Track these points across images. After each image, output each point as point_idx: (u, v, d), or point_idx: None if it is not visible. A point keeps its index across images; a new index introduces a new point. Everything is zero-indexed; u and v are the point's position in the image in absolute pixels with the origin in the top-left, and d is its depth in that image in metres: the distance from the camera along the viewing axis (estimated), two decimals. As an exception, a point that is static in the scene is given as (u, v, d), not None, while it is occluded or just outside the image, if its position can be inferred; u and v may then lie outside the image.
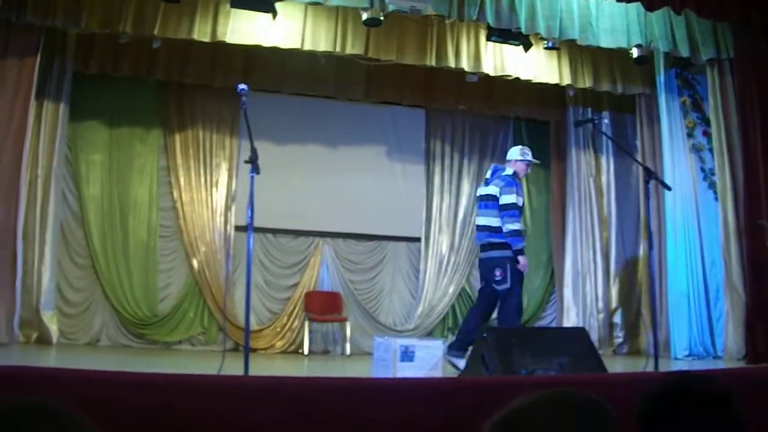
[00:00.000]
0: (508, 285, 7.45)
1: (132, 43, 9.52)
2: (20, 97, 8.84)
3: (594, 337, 10.54)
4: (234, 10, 8.84)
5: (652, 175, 6.94)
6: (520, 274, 7.57)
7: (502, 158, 11.62)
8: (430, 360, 6.14)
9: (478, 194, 8.19)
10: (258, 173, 5.51)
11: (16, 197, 8.78)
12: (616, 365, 8.99)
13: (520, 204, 7.79)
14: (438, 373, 6.14)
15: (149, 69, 10.10)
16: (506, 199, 7.59)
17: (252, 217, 5.54)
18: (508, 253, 7.51)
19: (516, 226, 7.56)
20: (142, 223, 10.31)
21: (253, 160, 5.48)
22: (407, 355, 6.06)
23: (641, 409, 1.88)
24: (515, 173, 7.88)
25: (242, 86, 5.91)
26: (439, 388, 3.78)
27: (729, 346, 9.45)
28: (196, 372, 4.44)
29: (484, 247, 7.73)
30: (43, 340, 9.28)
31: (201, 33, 9.01)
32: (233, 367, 5.66)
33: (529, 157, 8.01)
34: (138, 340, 10.00)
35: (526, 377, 5.20)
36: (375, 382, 4.69)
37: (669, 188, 7.92)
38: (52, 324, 9.40)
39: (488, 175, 8.06)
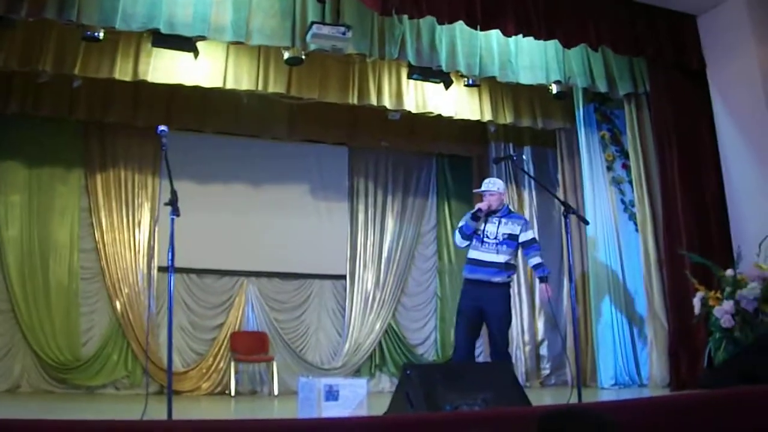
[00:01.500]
0: None
1: (52, 82, 9.39)
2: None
3: (521, 369, 10.66)
4: (156, 50, 8.80)
5: (570, 210, 7.11)
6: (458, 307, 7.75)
7: (425, 194, 11.78)
8: (354, 399, 6.12)
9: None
10: (178, 215, 5.47)
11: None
12: (543, 397, 9.09)
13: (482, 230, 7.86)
14: (363, 412, 6.12)
15: (70, 108, 9.98)
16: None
17: (173, 260, 5.49)
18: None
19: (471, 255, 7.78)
20: (63, 265, 10.13)
21: (173, 203, 5.44)
22: (332, 395, 6.03)
23: None
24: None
25: (162, 128, 5.86)
26: (364, 427, 3.78)
27: (654, 374, 9.60)
28: (119, 417, 4.38)
29: None
30: (-38, 387, 9.06)
31: (122, 72, 8.93)
32: (157, 411, 5.57)
33: (480, 189, 7.96)
34: (60, 385, 9.77)
35: (450, 413, 5.22)
36: (300, 422, 4.67)
37: (587, 222, 8.10)
38: (-30, 370, 9.18)
39: None
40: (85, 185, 10.45)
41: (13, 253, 9.93)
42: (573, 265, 8.27)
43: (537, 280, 11.24)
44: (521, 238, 7.56)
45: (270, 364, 10.37)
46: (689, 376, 8.92)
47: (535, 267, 7.58)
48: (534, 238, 7.66)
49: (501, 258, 7.50)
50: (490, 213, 7.60)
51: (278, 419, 4.13)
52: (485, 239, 7.59)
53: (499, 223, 7.64)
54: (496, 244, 7.56)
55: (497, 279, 7.48)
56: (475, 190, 8.28)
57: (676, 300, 9.28)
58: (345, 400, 6.06)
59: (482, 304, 7.46)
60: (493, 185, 7.77)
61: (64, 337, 9.91)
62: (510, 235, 7.56)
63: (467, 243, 7.77)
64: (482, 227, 7.65)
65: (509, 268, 7.54)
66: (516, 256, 7.62)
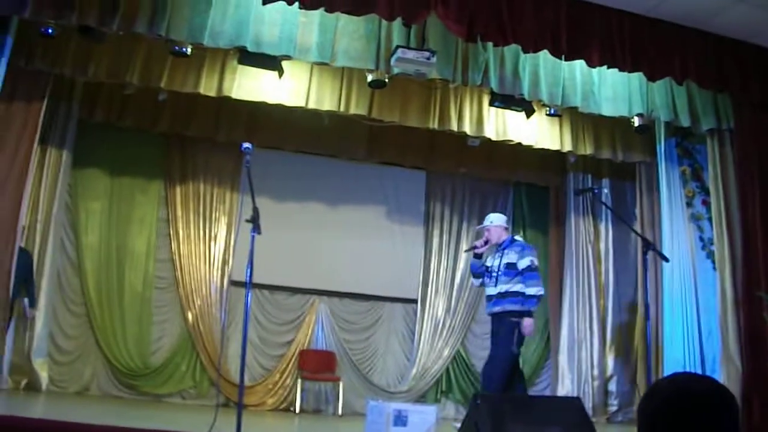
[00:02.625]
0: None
1: (138, 94, 9.60)
2: (24, 142, 8.86)
3: (588, 404, 10.46)
4: (241, 67, 8.90)
5: (650, 246, 6.96)
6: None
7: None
8: (422, 425, 6.08)
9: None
10: (259, 233, 5.51)
11: (14, 241, 8.76)
12: (610, 435, 8.94)
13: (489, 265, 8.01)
14: (431, 439, 6.09)
15: (154, 120, 10.20)
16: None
17: (251, 276, 5.52)
18: None
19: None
20: (138, 273, 10.30)
21: (254, 220, 5.49)
22: (400, 420, 6.01)
23: (645, 410, 1.90)
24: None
25: (246, 145, 5.91)
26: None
27: (725, 417, 9.35)
28: (187, 428, 4.41)
29: None
30: (33, 386, 9.23)
31: (207, 87, 9.07)
32: (224, 424, 5.60)
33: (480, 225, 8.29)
34: (128, 390, 9.92)
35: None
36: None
37: (667, 260, 7.93)
38: (43, 371, 9.36)
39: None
40: (165, 196, 10.63)
41: (90, 259, 10.13)
42: (649, 304, 8.09)
43: (610, 314, 11.22)
44: (519, 266, 7.62)
45: (336, 384, 10.37)
46: (762, 422, 8.70)
47: (527, 297, 7.56)
48: (529, 266, 7.62)
49: (499, 289, 7.62)
50: (494, 247, 7.88)
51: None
52: (491, 274, 7.77)
53: (502, 255, 7.76)
54: (497, 276, 7.69)
55: (496, 309, 7.64)
56: (476, 228, 8.29)
57: (752, 343, 9.05)
58: (413, 427, 6.03)
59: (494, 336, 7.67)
60: (488, 220, 8.06)
61: (135, 344, 10.07)
62: (509, 264, 7.65)
63: (480, 281, 8.00)
64: (490, 263, 7.85)
65: (506, 296, 7.57)
66: (518, 283, 7.61)
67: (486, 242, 8.00)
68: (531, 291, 7.51)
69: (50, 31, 8.33)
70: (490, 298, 7.80)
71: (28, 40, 8.60)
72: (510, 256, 7.70)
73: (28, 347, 9.28)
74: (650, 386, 1.95)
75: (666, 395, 1.88)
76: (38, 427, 3.26)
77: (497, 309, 7.63)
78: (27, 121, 8.91)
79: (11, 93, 8.72)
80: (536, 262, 7.76)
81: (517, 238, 8.13)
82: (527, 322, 7.49)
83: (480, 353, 11.44)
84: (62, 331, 9.89)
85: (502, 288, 7.60)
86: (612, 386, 11.07)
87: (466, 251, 8.03)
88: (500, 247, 7.87)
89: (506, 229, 8.13)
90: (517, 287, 7.57)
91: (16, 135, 8.81)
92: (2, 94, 8.33)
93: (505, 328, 7.54)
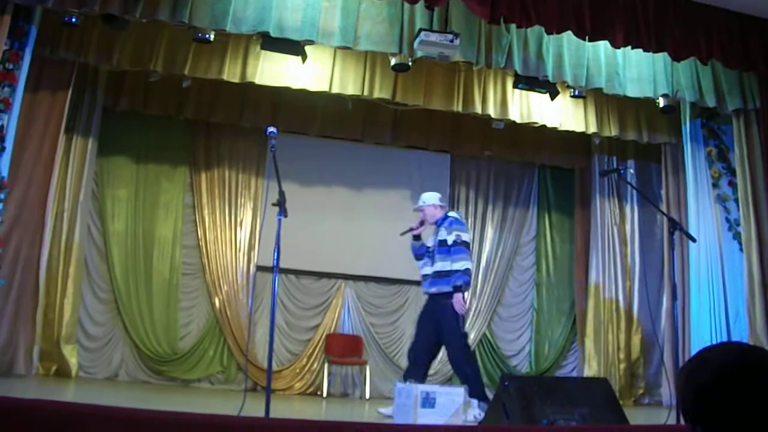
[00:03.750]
0: None
1: (162, 81, 9.64)
2: (50, 130, 8.95)
3: (615, 386, 10.43)
4: (264, 52, 8.92)
5: (677, 226, 6.88)
6: None
7: (526, 205, 11.65)
8: (451, 407, 6.09)
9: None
10: (285, 216, 5.52)
11: (41, 230, 8.86)
12: (637, 416, 8.88)
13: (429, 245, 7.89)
14: (458, 421, 6.10)
15: (178, 107, 10.25)
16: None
17: (278, 260, 5.51)
18: None
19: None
20: (165, 260, 10.37)
21: (281, 204, 5.50)
22: (428, 402, 6.02)
23: (691, 381, 1.82)
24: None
25: (272, 129, 5.90)
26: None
27: (752, 399, 9.31)
28: (216, 412, 4.43)
29: None
30: (62, 373, 9.32)
31: (231, 74, 9.10)
32: (253, 408, 5.63)
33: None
34: (157, 376, 10.01)
35: (547, 427, 5.17)
36: (396, 428, 4.67)
37: (694, 240, 7.86)
38: (72, 357, 9.44)
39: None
40: (190, 183, 10.68)
41: (117, 246, 10.22)
42: (676, 284, 8.05)
43: (636, 296, 11.16)
44: (448, 242, 7.49)
45: (363, 368, 10.41)
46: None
47: (451, 273, 7.41)
48: (455, 241, 7.45)
49: (435, 268, 7.51)
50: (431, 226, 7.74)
51: (377, 422, 4.13)
52: (429, 254, 7.69)
53: (436, 233, 7.66)
54: (433, 255, 7.60)
55: (432, 290, 7.53)
56: (413, 208, 8.22)
57: (780, 323, 9.02)
58: (441, 408, 6.04)
59: (436, 318, 7.51)
60: (421, 200, 7.91)
61: (162, 329, 10.15)
62: (441, 241, 7.53)
63: (423, 262, 7.84)
64: (431, 243, 7.75)
65: (442, 275, 7.44)
66: (448, 260, 7.47)
67: (421, 223, 7.90)
68: (456, 266, 7.37)
69: (74, 20, 8.37)
70: (425, 277, 7.69)
71: (52, 30, 8.65)
72: (441, 233, 7.60)
73: (57, 334, 9.36)
74: (695, 356, 1.85)
75: (718, 365, 1.78)
76: (70, 411, 3.30)
77: (433, 290, 7.53)
78: (52, 110, 8.99)
79: (36, 83, 8.79)
80: (464, 237, 7.55)
81: (451, 214, 7.88)
82: (456, 299, 7.33)
83: (506, 336, 11.46)
84: (90, 317, 9.98)
85: (438, 267, 7.50)
86: (639, 369, 11.02)
87: (402, 234, 7.86)
88: (436, 226, 7.77)
89: (441, 207, 7.98)
90: (449, 265, 7.45)
91: (42, 124, 8.89)
92: (27, 85, 8.39)
93: (447, 311, 7.39)
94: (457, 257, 7.38)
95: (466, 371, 7.43)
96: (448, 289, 7.37)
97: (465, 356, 7.47)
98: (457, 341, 7.44)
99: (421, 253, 7.86)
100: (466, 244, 7.52)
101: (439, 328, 7.47)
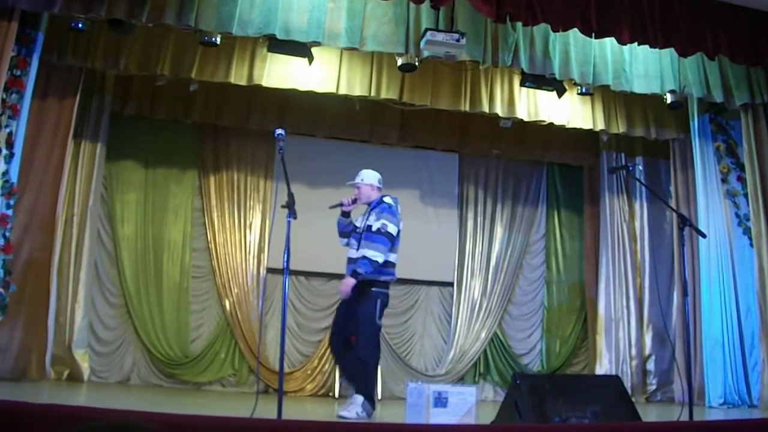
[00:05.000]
0: None
1: (169, 85, 9.68)
2: (59, 136, 9.01)
3: (627, 383, 10.40)
4: (270, 55, 8.95)
5: (687, 222, 6.85)
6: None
7: (535, 204, 11.64)
8: (463, 406, 6.09)
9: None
10: (295, 218, 5.52)
11: (52, 235, 8.90)
12: (649, 413, 8.89)
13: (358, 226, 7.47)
14: (471, 420, 6.10)
15: (186, 111, 10.26)
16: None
17: (288, 262, 5.51)
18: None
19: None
20: (175, 263, 10.38)
21: (290, 206, 5.51)
22: (440, 401, 6.02)
23: None
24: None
25: (279, 131, 5.89)
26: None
27: (765, 395, 9.29)
28: (228, 414, 4.45)
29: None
30: (75, 377, 9.36)
31: (237, 76, 9.13)
32: (265, 410, 5.64)
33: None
34: (168, 379, 10.03)
35: (559, 425, 5.17)
36: (409, 428, 4.68)
37: (704, 236, 7.82)
38: (84, 362, 9.47)
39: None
40: (199, 186, 10.69)
41: (127, 250, 10.23)
42: (687, 280, 8.03)
43: (647, 293, 11.14)
44: (375, 227, 7.15)
45: (374, 368, 10.39)
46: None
47: (357, 259, 7.09)
48: (378, 229, 7.09)
49: (361, 253, 7.07)
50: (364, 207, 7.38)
51: (390, 423, 4.14)
52: (357, 235, 7.28)
53: (367, 216, 7.33)
54: (360, 238, 7.21)
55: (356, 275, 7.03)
56: (348, 183, 7.70)
57: (791, 319, 9.01)
58: (453, 408, 6.04)
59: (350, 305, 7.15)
60: (359, 177, 7.52)
61: (173, 333, 10.16)
62: (368, 226, 7.19)
63: (346, 240, 7.45)
64: (360, 224, 7.36)
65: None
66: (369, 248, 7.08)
67: (354, 200, 7.46)
68: (368, 253, 7.02)
69: (80, 25, 8.40)
70: (350, 260, 7.24)
71: (59, 36, 8.72)
72: (371, 218, 7.25)
73: (69, 339, 9.41)
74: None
75: None
76: (83, 415, 3.32)
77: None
78: (61, 116, 9.05)
79: (44, 89, 8.87)
80: (389, 228, 7.15)
81: (386, 199, 7.46)
82: (346, 282, 7.02)
83: (517, 335, 11.45)
84: (101, 322, 10.00)
85: (362, 252, 7.09)
86: (650, 365, 11.00)
87: (330, 207, 7.42)
88: (369, 208, 7.41)
89: (378, 188, 7.54)
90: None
91: (50, 130, 8.95)
92: (35, 91, 8.47)
93: (367, 299, 7.07)
94: (373, 246, 7.04)
95: (366, 362, 6.99)
96: (371, 277, 7.03)
97: (370, 348, 7.08)
98: (369, 329, 7.06)
99: (347, 230, 7.45)
100: (388, 235, 7.13)
101: (354, 313, 7.12)
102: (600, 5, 8.46)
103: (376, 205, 7.35)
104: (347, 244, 7.45)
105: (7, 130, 8.07)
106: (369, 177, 7.54)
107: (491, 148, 11.37)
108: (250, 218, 10.65)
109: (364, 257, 6.99)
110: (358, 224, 7.40)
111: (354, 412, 6.74)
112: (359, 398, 6.87)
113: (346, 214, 7.45)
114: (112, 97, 10.11)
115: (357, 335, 7.08)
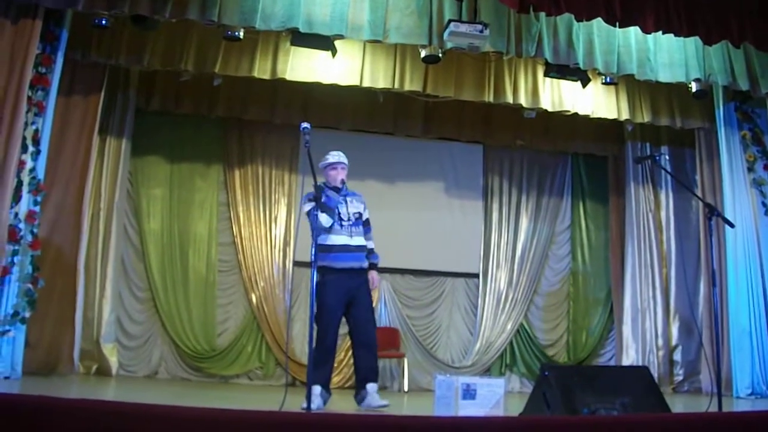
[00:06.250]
0: None
1: (193, 80, 9.72)
2: (85, 133, 9.08)
3: (654, 374, 10.34)
4: (294, 48, 8.95)
5: (714, 212, 6.78)
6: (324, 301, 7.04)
7: (560, 194, 11.58)
8: (492, 398, 6.08)
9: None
10: (322, 211, 5.54)
11: (79, 230, 8.96)
12: (676, 404, 8.84)
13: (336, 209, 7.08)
14: (500, 412, 6.08)
15: (210, 106, 10.32)
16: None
17: (316, 255, 5.55)
18: None
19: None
20: (201, 257, 10.44)
21: (317, 199, 5.52)
22: (469, 393, 6.01)
23: None
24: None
25: (305, 125, 5.86)
26: (502, 427, 3.76)
27: (792, 385, 9.25)
28: (256, 407, 4.46)
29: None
30: (103, 371, 9.44)
31: (261, 71, 9.15)
32: (293, 403, 5.66)
33: (329, 160, 7.20)
34: (196, 373, 10.10)
35: (588, 417, 5.15)
36: (439, 420, 4.67)
37: (732, 225, 7.72)
38: (112, 356, 9.55)
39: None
40: (224, 180, 10.75)
41: (154, 245, 10.31)
42: (715, 270, 7.94)
43: (673, 283, 11.07)
44: (364, 217, 7.19)
45: (401, 361, 10.39)
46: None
47: (370, 252, 7.19)
48: (368, 219, 7.24)
49: (357, 241, 7.03)
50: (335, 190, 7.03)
51: (418, 415, 4.13)
52: (342, 222, 6.97)
53: (346, 202, 7.07)
54: (350, 225, 7.03)
55: (356, 265, 7.02)
56: (325, 163, 7.16)
57: (820, 308, 8.94)
58: (482, 400, 6.03)
59: (352, 295, 7.04)
60: (343, 158, 7.18)
61: (200, 327, 10.23)
62: (358, 214, 7.11)
63: (332, 222, 6.89)
64: (342, 209, 7.00)
65: (363, 250, 7.09)
66: (363, 236, 7.13)
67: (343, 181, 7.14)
68: (372, 244, 7.24)
69: (104, 22, 8.44)
70: (347, 248, 6.97)
71: (83, 33, 8.78)
72: (356, 205, 7.13)
73: (97, 333, 9.50)
74: None
75: None
76: (113, 409, 3.33)
77: (357, 265, 7.03)
78: (86, 112, 9.13)
79: (69, 86, 8.95)
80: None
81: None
82: (375, 274, 7.20)
83: (543, 326, 11.42)
84: (129, 316, 10.09)
85: (359, 241, 7.05)
86: (677, 356, 10.95)
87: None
88: (340, 192, 7.08)
89: None
90: (365, 242, 7.17)
91: (76, 127, 9.03)
92: (61, 88, 8.53)
93: (367, 287, 7.13)
94: (368, 235, 7.24)
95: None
96: (365, 265, 7.12)
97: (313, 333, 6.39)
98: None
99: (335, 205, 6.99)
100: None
101: (358, 300, 7.13)
102: (624, -6, 8.42)
103: (347, 192, 7.17)
104: (330, 226, 6.89)
105: (34, 127, 8.12)
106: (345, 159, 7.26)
107: (515, 139, 11.34)
108: (275, 212, 10.69)
109: (373, 250, 7.23)
110: (341, 210, 6.99)
111: (316, 405, 6.58)
112: (317, 389, 6.82)
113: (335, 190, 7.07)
114: (136, 93, 10.19)
115: (371, 322, 7.34)
